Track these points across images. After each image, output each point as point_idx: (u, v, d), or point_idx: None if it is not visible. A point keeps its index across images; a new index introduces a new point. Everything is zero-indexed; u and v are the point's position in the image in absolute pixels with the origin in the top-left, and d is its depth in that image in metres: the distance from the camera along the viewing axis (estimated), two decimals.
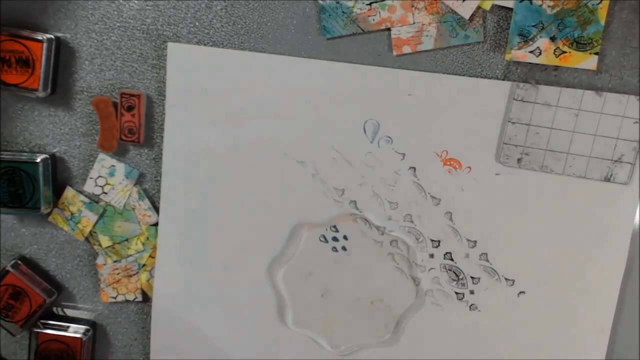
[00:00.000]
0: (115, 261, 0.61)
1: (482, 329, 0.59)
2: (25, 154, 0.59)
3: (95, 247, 0.61)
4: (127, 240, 0.60)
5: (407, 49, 0.55)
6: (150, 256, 0.61)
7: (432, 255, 0.59)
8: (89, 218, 0.60)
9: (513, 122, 0.55)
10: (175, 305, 0.61)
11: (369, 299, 0.60)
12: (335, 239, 0.59)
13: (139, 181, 0.60)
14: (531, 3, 0.53)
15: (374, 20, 0.55)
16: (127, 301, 0.62)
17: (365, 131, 0.57)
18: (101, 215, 0.60)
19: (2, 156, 0.57)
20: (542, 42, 0.54)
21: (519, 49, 0.54)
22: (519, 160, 0.56)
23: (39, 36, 0.55)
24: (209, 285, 0.60)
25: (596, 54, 0.53)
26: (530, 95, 0.55)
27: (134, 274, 0.61)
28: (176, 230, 0.59)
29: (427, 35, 0.55)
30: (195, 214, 0.59)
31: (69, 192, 0.60)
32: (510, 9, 0.54)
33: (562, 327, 0.58)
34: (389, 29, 0.55)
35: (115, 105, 0.58)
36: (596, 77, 0.55)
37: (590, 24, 0.53)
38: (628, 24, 0.54)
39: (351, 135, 0.57)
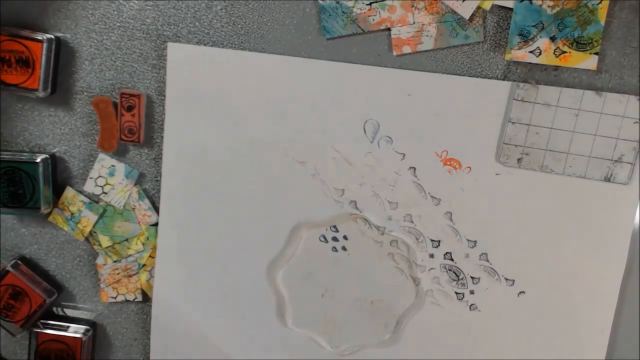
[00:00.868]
0: (115, 261, 0.61)
1: (482, 329, 0.59)
2: (25, 154, 0.59)
3: (95, 247, 0.61)
4: (127, 240, 0.60)
5: (407, 49, 0.55)
6: (150, 256, 0.61)
7: (432, 255, 0.59)
8: (89, 218, 0.60)
9: (513, 122, 0.55)
10: (175, 305, 0.61)
11: (369, 299, 0.60)
12: (335, 239, 0.59)
13: (139, 181, 0.60)
14: (531, 3, 0.53)
15: (374, 20, 0.55)
16: (127, 301, 0.62)
17: (365, 131, 0.57)
18: (101, 215, 0.60)
19: (2, 156, 0.57)
20: (542, 42, 0.54)
21: (519, 49, 0.54)
22: (519, 160, 0.56)
23: (39, 36, 0.55)
24: (209, 285, 0.60)
25: (596, 54, 0.53)
26: (530, 95, 0.55)
27: (134, 274, 0.61)
28: (176, 230, 0.59)
29: (427, 35, 0.55)
30: (195, 214, 0.59)
31: (69, 192, 0.60)
32: (510, 9, 0.54)
33: (562, 327, 0.58)
34: (389, 29, 0.55)
35: (115, 105, 0.58)
36: (596, 77, 0.55)
37: (590, 24, 0.53)
38: (628, 24, 0.54)
39: (351, 135, 0.57)
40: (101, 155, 0.59)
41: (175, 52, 0.56)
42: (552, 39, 0.53)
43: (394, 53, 0.55)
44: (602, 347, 0.58)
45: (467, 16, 0.54)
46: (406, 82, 0.56)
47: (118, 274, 0.61)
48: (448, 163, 0.57)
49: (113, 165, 0.59)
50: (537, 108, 0.55)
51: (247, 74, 0.56)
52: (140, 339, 0.63)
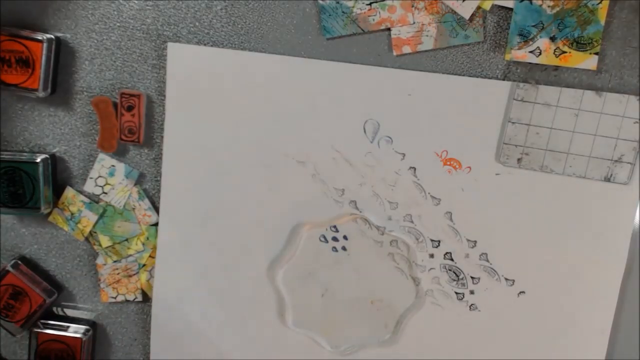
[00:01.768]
0: (115, 261, 0.61)
1: (482, 329, 0.59)
2: (25, 154, 0.59)
3: (95, 247, 0.61)
4: (127, 240, 0.60)
5: (407, 49, 0.55)
6: (150, 256, 0.61)
7: (432, 255, 0.59)
8: (89, 218, 0.60)
9: (513, 122, 0.55)
10: (175, 305, 0.61)
11: (369, 299, 0.60)
12: (335, 239, 0.59)
13: (139, 181, 0.60)
14: (531, 3, 0.53)
15: (374, 20, 0.55)
16: (127, 301, 0.62)
17: (365, 131, 0.57)
18: (101, 215, 0.60)
19: (2, 156, 0.57)
20: (542, 42, 0.54)
21: (519, 49, 0.54)
22: (519, 160, 0.56)
23: (39, 36, 0.55)
24: (209, 285, 0.60)
25: (596, 54, 0.53)
26: (530, 95, 0.55)
27: (134, 274, 0.61)
28: (176, 230, 0.59)
29: (427, 35, 0.55)
30: (195, 213, 0.59)
31: (69, 192, 0.60)
32: (510, 9, 0.54)
33: (562, 327, 0.58)
34: (389, 29, 0.55)
35: (115, 105, 0.58)
36: (596, 77, 0.55)
37: (590, 24, 0.53)
38: (628, 24, 0.54)
39: (351, 135, 0.57)
40: (101, 155, 0.59)
41: (175, 52, 0.56)
42: (552, 39, 0.53)
43: (394, 53, 0.55)
44: (602, 347, 0.58)
45: (467, 16, 0.54)
46: (406, 82, 0.56)
47: (118, 274, 0.61)
48: (448, 163, 0.57)
49: (113, 165, 0.59)
50: (537, 108, 0.55)
51: (247, 74, 0.56)
52: (140, 339, 0.63)
